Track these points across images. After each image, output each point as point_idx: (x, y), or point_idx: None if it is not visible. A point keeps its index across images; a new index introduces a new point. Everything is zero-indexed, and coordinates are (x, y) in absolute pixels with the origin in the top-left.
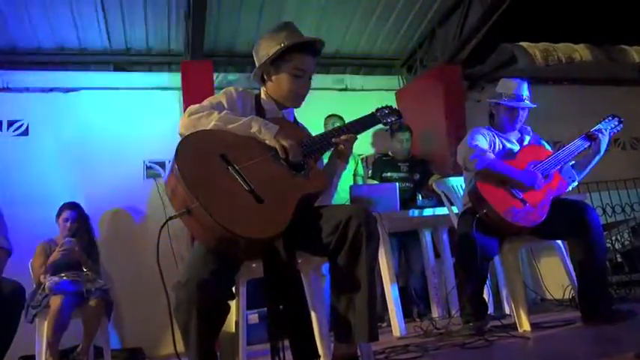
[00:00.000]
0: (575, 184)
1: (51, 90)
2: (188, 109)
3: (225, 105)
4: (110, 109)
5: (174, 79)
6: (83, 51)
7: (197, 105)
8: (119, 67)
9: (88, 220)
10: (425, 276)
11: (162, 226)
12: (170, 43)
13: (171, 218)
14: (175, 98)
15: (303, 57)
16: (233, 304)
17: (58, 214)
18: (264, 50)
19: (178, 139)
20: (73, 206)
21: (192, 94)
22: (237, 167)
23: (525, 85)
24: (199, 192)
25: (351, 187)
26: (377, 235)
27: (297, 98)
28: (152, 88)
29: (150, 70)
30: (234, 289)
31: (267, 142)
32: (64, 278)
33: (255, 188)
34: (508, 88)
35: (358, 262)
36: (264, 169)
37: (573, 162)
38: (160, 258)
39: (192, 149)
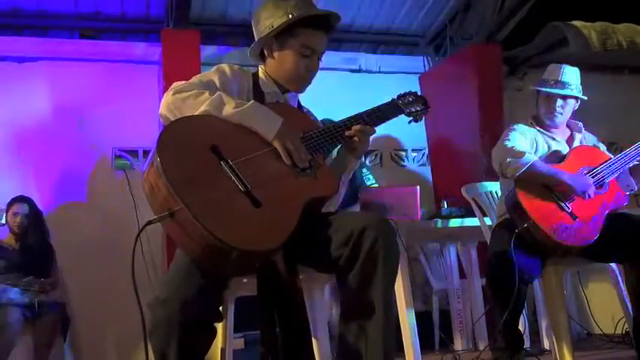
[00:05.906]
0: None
1: (3, 59)
2: (173, 85)
3: (218, 84)
4: (73, 85)
5: (153, 51)
6: (43, 13)
7: (184, 82)
8: (86, 35)
9: (41, 218)
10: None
11: (138, 233)
12: (149, 8)
13: (150, 223)
14: (153, 74)
15: (315, 33)
16: (220, 326)
17: (7, 210)
18: (268, 20)
19: (155, 123)
20: (24, 200)
21: (173, 69)
22: (231, 163)
23: (571, 71)
24: (185, 192)
25: (360, 190)
26: (396, 251)
27: (301, 81)
28: (125, 61)
29: (123, 40)
30: (221, 308)
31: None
32: (13, 286)
33: (252, 189)
34: (551, 74)
35: (373, 283)
36: (263, 166)
37: (634, 163)
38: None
39: (178, 139)
